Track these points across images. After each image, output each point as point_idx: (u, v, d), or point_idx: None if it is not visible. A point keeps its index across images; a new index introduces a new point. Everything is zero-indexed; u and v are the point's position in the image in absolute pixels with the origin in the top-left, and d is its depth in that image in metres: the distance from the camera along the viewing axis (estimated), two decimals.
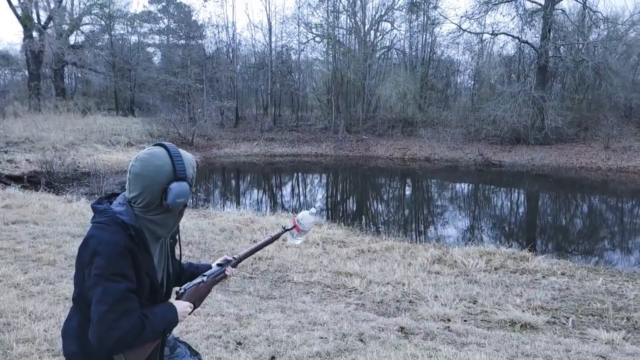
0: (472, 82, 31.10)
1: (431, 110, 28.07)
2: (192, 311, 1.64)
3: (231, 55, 33.35)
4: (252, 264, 6.03)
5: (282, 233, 1.98)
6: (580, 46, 23.05)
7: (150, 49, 36.97)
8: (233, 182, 19.59)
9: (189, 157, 1.54)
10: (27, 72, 28.55)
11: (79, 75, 33.05)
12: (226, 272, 1.79)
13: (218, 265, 1.81)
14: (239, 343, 3.26)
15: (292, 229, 1.99)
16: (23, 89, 29.54)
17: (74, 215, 8.44)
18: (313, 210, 2.05)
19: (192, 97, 27.42)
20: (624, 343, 3.78)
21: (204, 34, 34.72)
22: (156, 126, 24.04)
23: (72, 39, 30.38)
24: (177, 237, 1.72)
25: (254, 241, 7.33)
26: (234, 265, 1.84)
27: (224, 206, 13.52)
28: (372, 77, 29.01)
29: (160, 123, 24.18)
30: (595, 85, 24.23)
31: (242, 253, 1.89)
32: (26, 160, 15.21)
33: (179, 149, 1.53)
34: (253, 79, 34.13)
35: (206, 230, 7.74)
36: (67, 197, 10.55)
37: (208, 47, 34.14)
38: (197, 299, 1.68)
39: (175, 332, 1.93)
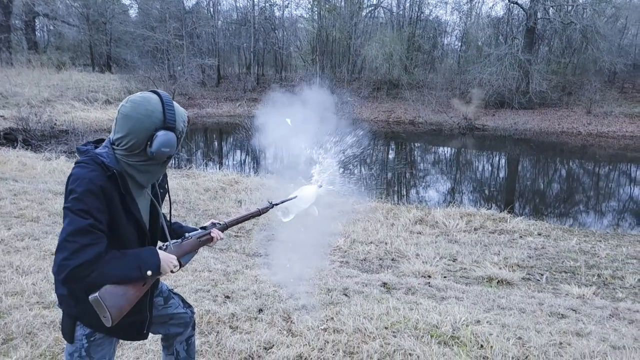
0: (460, 44, 30.74)
1: (417, 72, 27.75)
2: (180, 268, 1.64)
3: (212, 9, 31.98)
4: None
5: (269, 208, 2.00)
6: (570, 8, 22.83)
7: (126, 1, 35.15)
8: (216, 143, 19.33)
9: (181, 111, 1.53)
10: None
11: (52, 27, 31.31)
12: (212, 234, 1.78)
13: (203, 228, 1.82)
14: (227, 296, 3.34)
15: (279, 203, 2.01)
16: None
17: (53, 173, 8.27)
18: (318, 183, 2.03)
19: (171, 54, 26.37)
20: (594, 297, 4.01)
21: None
22: (135, 83, 23.21)
23: None
24: (166, 187, 1.71)
25: (239, 202, 7.35)
26: (221, 230, 1.84)
27: (206, 166, 13.40)
28: (358, 36, 28.30)
29: (139, 80, 23.35)
30: (582, 49, 24.26)
31: (229, 220, 1.89)
32: (0, 116, 14.65)
33: (173, 101, 1.51)
34: (235, 36, 32.94)
35: (190, 190, 7.70)
36: (46, 155, 10.28)
37: (187, 1, 32.61)
38: (181, 255, 1.67)
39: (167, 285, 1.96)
